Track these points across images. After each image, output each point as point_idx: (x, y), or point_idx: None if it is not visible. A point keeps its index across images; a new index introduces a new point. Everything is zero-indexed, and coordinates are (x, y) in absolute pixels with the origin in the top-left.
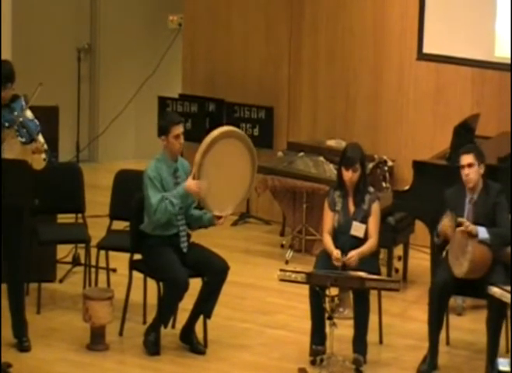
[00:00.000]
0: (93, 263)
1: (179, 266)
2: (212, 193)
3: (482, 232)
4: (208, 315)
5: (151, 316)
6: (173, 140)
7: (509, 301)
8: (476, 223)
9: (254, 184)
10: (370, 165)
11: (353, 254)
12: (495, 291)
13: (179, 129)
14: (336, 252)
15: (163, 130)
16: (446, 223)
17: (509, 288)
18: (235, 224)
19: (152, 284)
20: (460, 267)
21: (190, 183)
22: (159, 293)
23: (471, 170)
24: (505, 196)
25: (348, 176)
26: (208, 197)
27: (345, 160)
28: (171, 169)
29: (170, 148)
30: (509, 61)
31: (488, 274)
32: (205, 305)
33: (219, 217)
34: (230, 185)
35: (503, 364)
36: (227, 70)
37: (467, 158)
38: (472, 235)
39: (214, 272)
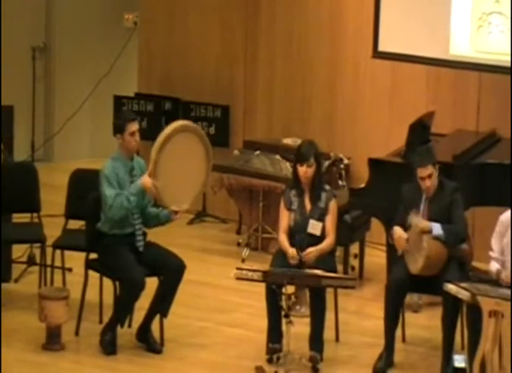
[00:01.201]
0: (49, 262)
1: (135, 265)
2: (169, 188)
3: (437, 229)
4: (164, 314)
5: (107, 316)
6: (129, 137)
7: (464, 297)
8: (431, 220)
9: (210, 177)
10: (326, 163)
11: (311, 250)
12: (450, 287)
13: (134, 126)
14: (291, 251)
15: (118, 128)
16: (397, 235)
17: (464, 285)
18: (191, 222)
19: (108, 283)
20: (415, 264)
21: (146, 180)
22: (116, 292)
23: (431, 180)
24: (460, 193)
25: (303, 171)
26: (165, 193)
27: (299, 156)
28: (127, 168)
29: (126, 145)
30: (463, 59)
31: (443, 271)
32: (162, 304)
33: (176, 213)
34: (186, 179)
35: (458, 360)
36: (183, 69)
37: (426, 171)
38: (426, 232)
39: (170, 271)
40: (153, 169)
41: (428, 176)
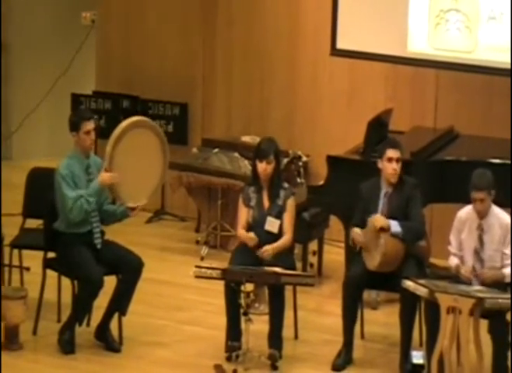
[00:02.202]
0: (7, 261)
1: (93, 264)
2: (125, 184)
3: (395, 226)
4: (123, 313)
5: (65, 315)
6: (84, 136)
7: (422, 294)
8: (390, 216)
9: (166, 172)
10: (285, 161)
11: (267, 248)
12: (408, 284)
13: (89, 125)
14: (250, 235)
15: (74, 126)
16: (356, 235)
17: (422, 282)
18: (150, 221)
19: (66, 282)
20: (372, 260)
21: (103, 176)
22: (74, 291)
23: (398, 165)
24: (419, 190)
25: (263, 167)
26: (122, 188)
27: (259, 152)
28: (83, 166)
29: (82, 144)
30: (421, 56)
31: (401, 268)
32: (120, 303)
33: (133, 209)
34: (143, 175)
35: (416, 356)
36: (141, 66)
37: (397, 153)
38: (384, 229)
39: (129, 269)
40: (109, 164)
41: (396, 160)
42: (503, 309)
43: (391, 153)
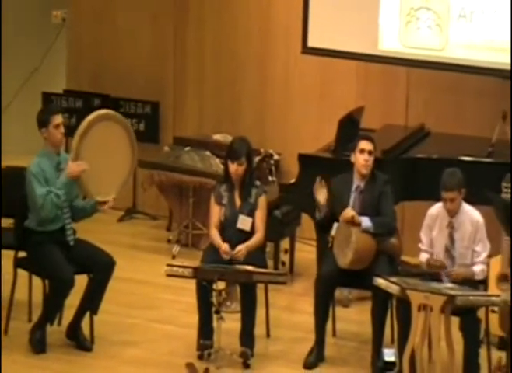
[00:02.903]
0: None
1: (64, 263)
2: (94, 178)
3: (365, 221)
4: (94, 312)
5: (36, 314)
6: (54, 130)
7: (394, 292)
8: (361, 212)
9: (135, 165)
10: (257, 159)
11: (241, 248)
12: (380, 282)
13: (58, 118)
14: (224, 246)
15: (43, 122)
16: (317, 189)
17: (394, 279)
18: (121, 219)
19: (37, 281)
20: (344, 258)
21: (70, 167)
22: (45, 290)
23: (370, 157)
24: (390, 186)
25: (234, 168)
26: (90, 183)
27: (231, 153)
28: (54, 162)
29: (52, 139)
30: (392, 54)
31: (373, 265)
32: (92, 302)
33: (103, 204)
34: (111, 168)
35: (388, 354)
36: (112, 65)
37: (369, 145)
38: (355, 224)
39: (100, 268)
40: (75, 156)
41: (369, 152)
42: (474, 306)
43: (364, 144)
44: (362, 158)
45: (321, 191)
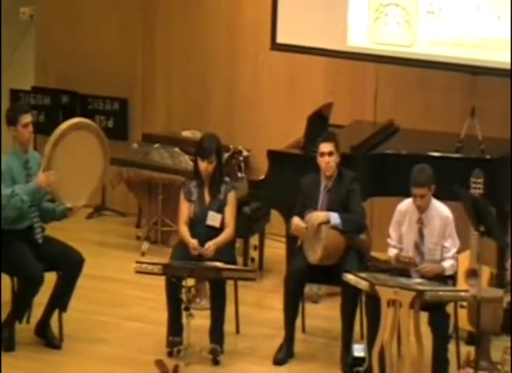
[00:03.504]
0: None
1: (33, 260)
2: (64, 184)
3: (334, 218)
4: (63, 309)
5: (5, 312)
6: (22, 129)
7: (363, 287)
8: (330, 210)
9: (106, 174)
10: (226, 156)
11: (210, 244)
12: (349, 278)
13: (27, 118)
14: (193, 242)
15: (12, 120)
16: (296, 224)
17: (363, 275)
18: (90, 217)
19: (5, 279)
20: (314, 254)
21: (40, 178)
22: (13, 288)
23: (331, 158)
24: (358, 183)
25: (204, 166)
26: (61, 189)
27: (201, 151)
28: (22, 161)
29: (20, 138)
30: (360, 50)
31: (342, 261)
32: (61, 299)
33: (72, 209)
34: (82, 176)
35: (357, 349)
36: (81, 62)
37: (328, 147)
38: (324, 221)
39: (69, 265)
40: (47, 164)
41: (328, 153)
42: (443, 301)
43: (322, 147)
44: (323, 161)
45: (300, 232)
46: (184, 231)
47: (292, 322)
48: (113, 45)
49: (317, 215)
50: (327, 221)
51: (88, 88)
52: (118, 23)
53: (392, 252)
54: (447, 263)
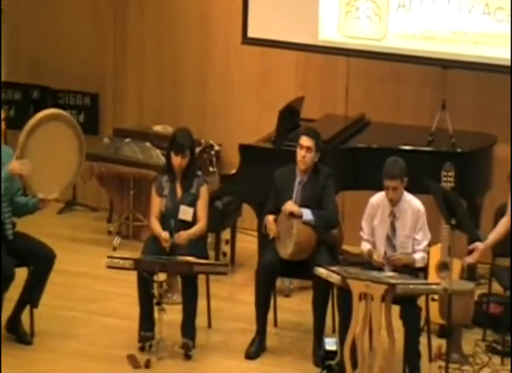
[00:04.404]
0: None
1: (4, 256)
2: (37, 175)
3: (307, 214)
4: (34, 305)
5: None
6: None
7: (335, 281)
8: (304, 205)
9: (82, 168)
10: (197, 150)
11: (182, 233)
12: (321, 271)
13: None
14: (164, 234)
15: None
16: (269, 223)
17: (334, 268)
18: (61, 212)
19: None
20: (285, 249)
21: (13, 165)
22: None
23: (308, 154)
24: (332, 179)
25: (178, 161)
26: (33, 180)
27: (175, 146)
28: None
29: None
30: (332, 44)
31: (314, 255)
32: (32, 295)
33: (44, 201)
34: (57, 168)
35: (329, 343)
36: (51, 56)
37: (308, 141)
38: (296, 216)
39: (40, 261)
40: (20, 153)
41: (307, 148)
42: (414, 295)
43: (302, 140)
44: (299, 154)
45: (272, 229)
46: (156, 225)
47: (264, 316)
48: (85, 39)
49: (290, 203)
50: (298, 215)
51: (59, 82)
52: (89, 17)
53: (365, 246)
54: (418, 255)
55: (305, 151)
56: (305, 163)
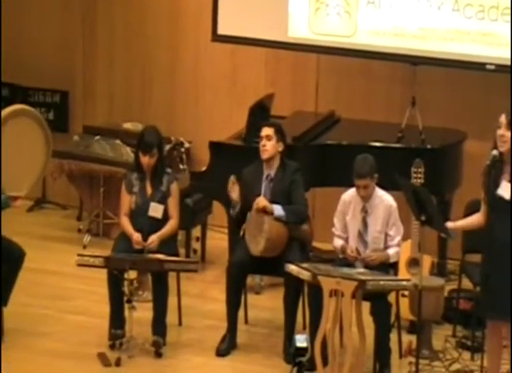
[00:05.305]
0: None
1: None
2: (6, 173)
3: (278, 210)
4: (4, 303)
5: None
6: None
7: (305, 277)
8: (273, 200)
9: (49, 162)
10: (167, 147)
11: (153, 238)
12: (292, 268)
13: None
14: (136, 236)
15: None
16: (230, 187)
17: (305, 265)
18: (31, 210)
19: None
20: (256, 245)
21: None
22: None
23: (268, 142)
24: (300, 174)
25: (146, 160)
26: (2, 178)
27: (142, 145)
28: None
29: None
30: (301, 41)
31: (285, 252)
32: (1, 293)
33: (16, 199)
34: (24, 164)
35: (300, 340)
36: (21, 54)
37: (266, 130)
38: (268, 213)
39: (10, 259)
40: None
41: (266, 137)
42: (384, 291)
43: (262, 131)
44: (260, 144)
45: (234, 188)
46: (126, 223)
47: (235, 313)
48: (54, 37)
49: (261, 199)
50: (270, 211)
51: (28, 80)
52: (58, 14)
53: (337, 242)
54: (392, 251)
55: (265, 139)
56: (266, 152)
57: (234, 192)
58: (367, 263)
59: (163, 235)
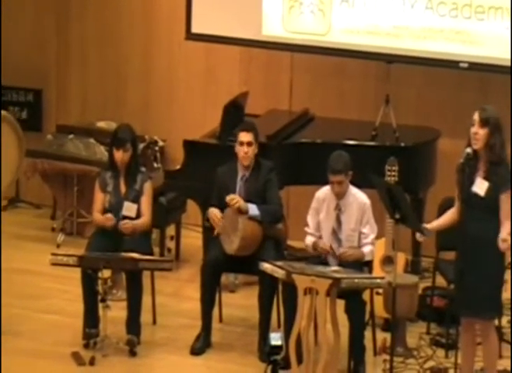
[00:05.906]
0: None
1: None
2: None
3: (253, 209)
4: None
5: None
6: None
7: (280, 276)
8: (248, 200)
9: (22, 165)
10: (141, 146)
11: (127, 221)
12: (266, 266)
13: None
14: (108, 215)
15: None
16: (212, 214)
17: (280, 264)
18: (4, 209)
19: None
20: (231, 244)
21: None
22: None
23: (250, 148)
24: (274, 173)
25: (120, 156)
26: None
27: (116, 140)
28: None
29: None
30: (275, 39)
31: (259, 251)
32: None
33: None
34: None
35: (275, 338)
36: None
37: (247, 136)
38: (242, 212)
39: None
40: None
41: (247, 143)
42: (359, 289)
43: (241, 136)
44: (241, 150)
45: (218, 224)
46: (98, 216)
47: (209, 311)
48: (27, 35)
49: (233, 198)
50: (246, 212)
51: (1, 79)
52: (31, 13)
53: (309, 239)
54: (367, 249)
55: (246, 146)
56: (249, 158)
57: (217, 226)
58: (342, 259)
59: (136, 224)
